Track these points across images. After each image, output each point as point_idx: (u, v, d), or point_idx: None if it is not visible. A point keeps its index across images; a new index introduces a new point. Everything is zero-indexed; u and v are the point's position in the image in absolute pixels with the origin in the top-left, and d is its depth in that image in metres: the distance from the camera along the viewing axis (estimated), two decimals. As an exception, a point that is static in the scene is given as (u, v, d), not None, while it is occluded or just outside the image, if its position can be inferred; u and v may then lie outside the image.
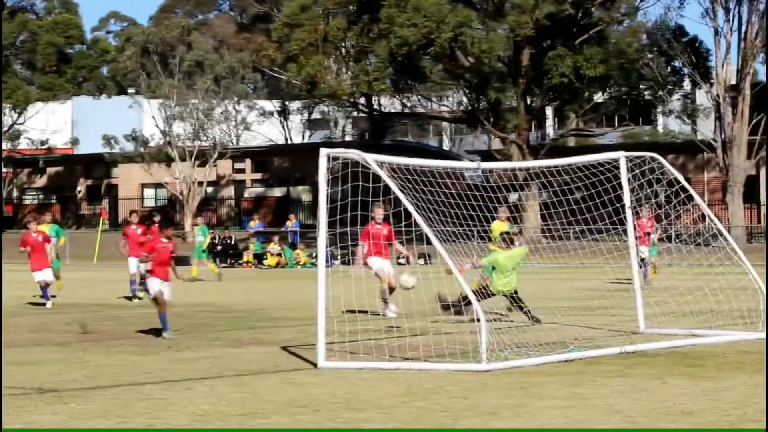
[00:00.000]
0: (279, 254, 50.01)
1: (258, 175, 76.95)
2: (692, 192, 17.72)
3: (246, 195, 76.31)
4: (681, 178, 17.71)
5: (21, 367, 14.07)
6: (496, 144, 67.55)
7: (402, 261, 24.91)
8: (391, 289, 20.78)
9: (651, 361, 14.05)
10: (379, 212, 20.78)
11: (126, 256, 26.42)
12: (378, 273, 20.95)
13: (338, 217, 15.08)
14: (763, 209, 61.75)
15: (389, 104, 74.60)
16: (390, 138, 78.15)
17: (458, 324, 17.90)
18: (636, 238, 25.05)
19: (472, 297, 14.00)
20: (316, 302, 14.12)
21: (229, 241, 52.64)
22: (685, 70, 58.47)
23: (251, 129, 78.59)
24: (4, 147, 78.23)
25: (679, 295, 19.99)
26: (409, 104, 70.81)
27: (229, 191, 77.37)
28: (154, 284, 17.97)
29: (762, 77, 61.41)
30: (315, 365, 13.74)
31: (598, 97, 63.04)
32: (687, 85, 61.78)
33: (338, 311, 14.88)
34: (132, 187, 77.82)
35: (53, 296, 25.04)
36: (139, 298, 25.37)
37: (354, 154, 14.47)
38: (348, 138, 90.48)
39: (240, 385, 12.35)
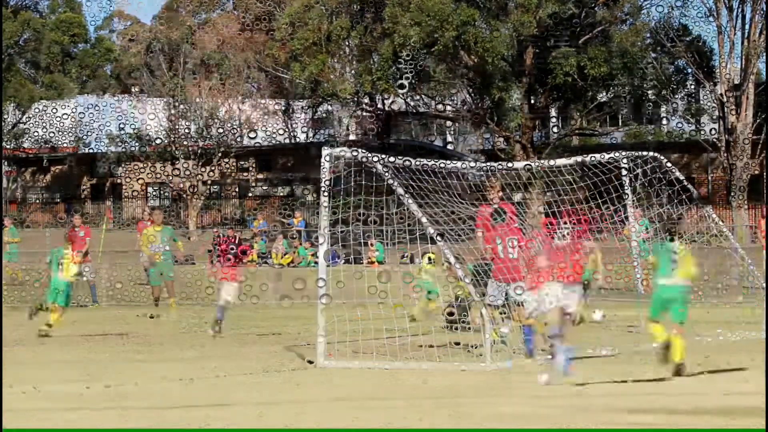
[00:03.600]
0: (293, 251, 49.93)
1: (262, 174, 76.92)
2: (693, 191, 17.72)
3: (250, 194, 76.28)
4: (682, 177, 17.72)
5: (25, 366, 14.11)
6: (501, 143, 67.49)
7: (405, 260, 24.33)
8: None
9: (654, 360, 14.05)
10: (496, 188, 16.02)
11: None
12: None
13: (341, 215, 15.07)
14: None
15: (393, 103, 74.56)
16: (394, 137, 78.12)
17: (463, 324, 17.93)
18: None
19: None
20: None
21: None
22: (689, 70, 58.43)
23: (255, 128, 78.56)
24: (8, 146, 78.26)
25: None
26: (412, 103, 70.77)
27: (234, 190, 77.35)
28: None
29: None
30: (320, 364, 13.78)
31: (602, 97, 62.97)
32: (691, 84, 61.72)
33: (341, 310, 14.89)
34: (136, 186, 77.87)
35: None
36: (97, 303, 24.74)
37: (356, 152, 14.49)
38: (352, 137, 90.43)
39: (244, 383, 12.38)
